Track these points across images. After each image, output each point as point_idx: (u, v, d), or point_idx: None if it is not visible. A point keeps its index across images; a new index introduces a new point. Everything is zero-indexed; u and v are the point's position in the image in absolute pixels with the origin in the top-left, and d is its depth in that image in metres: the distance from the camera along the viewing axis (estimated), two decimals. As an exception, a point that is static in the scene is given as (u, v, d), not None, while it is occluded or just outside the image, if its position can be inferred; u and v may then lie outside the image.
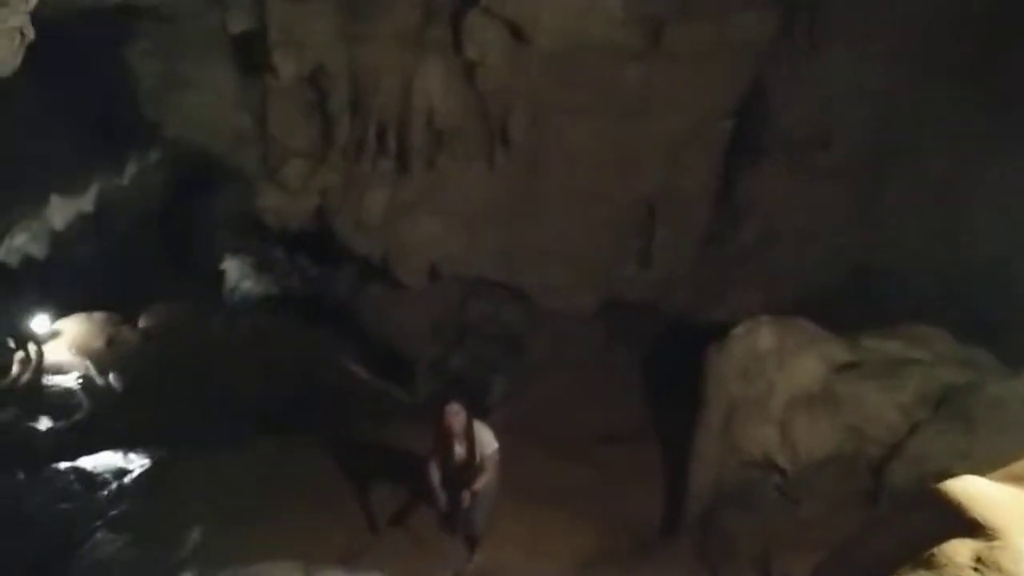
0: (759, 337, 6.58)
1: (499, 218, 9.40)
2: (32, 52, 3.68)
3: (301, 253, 12.25)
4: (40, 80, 10.17)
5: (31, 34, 3.30)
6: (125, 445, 9.27)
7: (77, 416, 11.22)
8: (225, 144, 9.30)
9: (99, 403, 11.56)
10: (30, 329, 12.54)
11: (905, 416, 6.04)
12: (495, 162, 9.00)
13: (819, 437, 6.21)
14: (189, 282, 15.41)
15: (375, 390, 11.89)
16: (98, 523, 7.63)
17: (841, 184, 9.71)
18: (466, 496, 5.63)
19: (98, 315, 13.66)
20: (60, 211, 13.56)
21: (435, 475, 5.77)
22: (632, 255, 10.00)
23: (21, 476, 9.11)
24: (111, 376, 12.27)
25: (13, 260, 13.42)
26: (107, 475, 8.65)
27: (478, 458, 5.61)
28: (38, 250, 13.75)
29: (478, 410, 6.11)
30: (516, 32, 8.25)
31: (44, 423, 10.98)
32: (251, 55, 8.65)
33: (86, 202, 13.76)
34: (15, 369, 11.95)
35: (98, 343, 13.09)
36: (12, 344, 12.22)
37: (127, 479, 8.44)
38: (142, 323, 13.72)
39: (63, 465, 8.93)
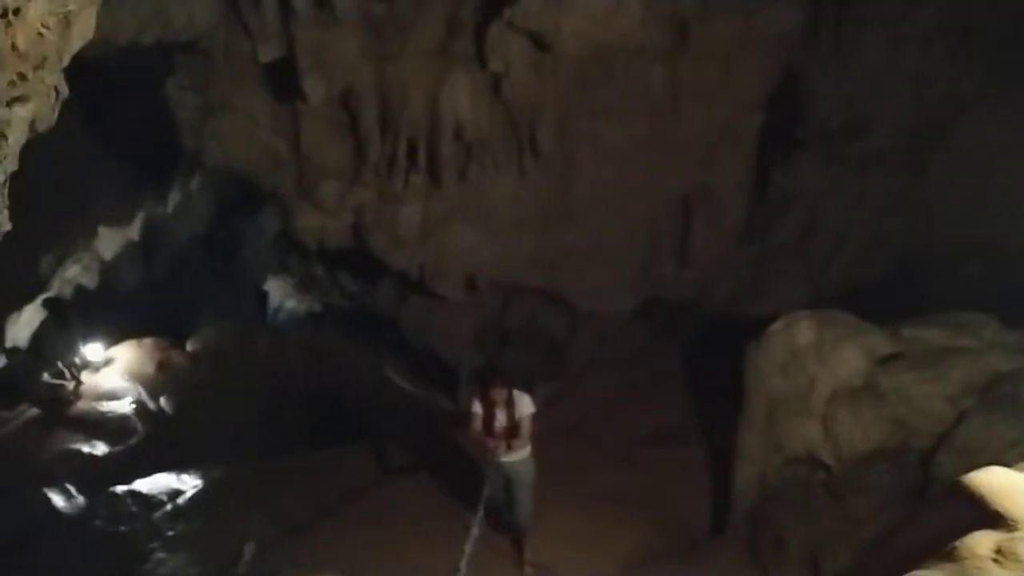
0: (798, 332, 6.50)
1: (533, 225, 9.45)
2: (75, 91, 3.82)
3: (341, 269, 12.43)
4: (83, 116, 10.54)
5: (65, 91, 3.45)
6: (179, 466, 9.51)
7: (132, 440, 11.56)
8: (262, 168, 9.50)
9: (152, 427, 11.89)
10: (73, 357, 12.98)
11: (952, 406, 5.90)
12: (526, 170, 9.05)
13: (863, 431, 6.10)
14: (234, 304, 15.75)
15: (419, 400, 12.04)
16: (155, 543, 7.86)
17: (880, 172, 9.57)
18: (502, 446, 5.96)
19: (148, 341, 14.04)
20: (108, 242, 13.93)
21: (478, 423, 6.07)
22: (669, 254, 9.96)
23: (81, 500, 9.43)
24: (163, 400, 12.60)
25: (66, 292, 13.82)
26: (162, 496, 8.90)
27: (517, 419, 5.98)
28: (89, 280, 14.13)
29: (517, 380, 6.32)
30: (539, 42, 8.31)
31: (101, 448, 11.32)
32: (282, 81, 8.84)
33: (132, 231, 14.12)
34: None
35: (149, 368, 13.45)
36: (67, 374, 12.63)
37: (181, 499, 8.67)
38: (190, 346, 14.06)
39: (120, 488, 9.20)
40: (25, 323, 12.41)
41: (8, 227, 3.47)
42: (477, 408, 6.07)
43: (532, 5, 8.08)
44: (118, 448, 11.24)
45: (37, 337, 12.79)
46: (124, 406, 12.30)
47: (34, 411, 11.84)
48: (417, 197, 9.09)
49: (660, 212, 9.82)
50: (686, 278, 10.07)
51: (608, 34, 8.38)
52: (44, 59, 3.07)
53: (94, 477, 10.02)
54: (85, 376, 12.97)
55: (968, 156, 9.12)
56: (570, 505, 7.11)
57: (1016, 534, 1.85)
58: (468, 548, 5.46)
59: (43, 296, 12.45)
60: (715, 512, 7.18)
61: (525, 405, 5.99)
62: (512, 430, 5.98)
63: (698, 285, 10.12)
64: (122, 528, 8.50)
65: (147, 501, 8.85)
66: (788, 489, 6.41)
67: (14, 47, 3.02)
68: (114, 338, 13.95)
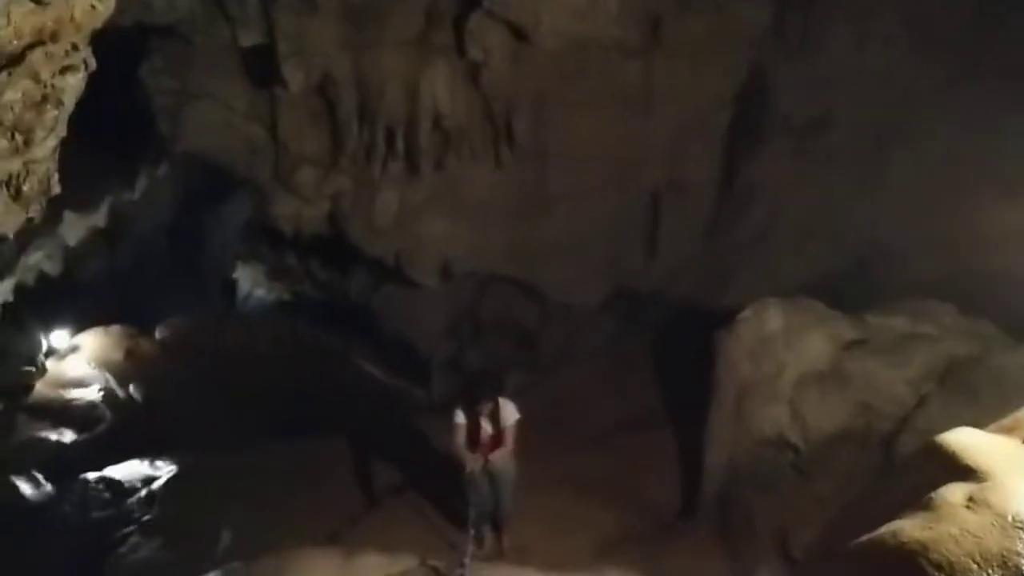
0: (767, 318, 6.73)
1: (508, 215, 9.58)
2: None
3: (313, 258, 12.43)
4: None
5: (93, 64, 3.59)
6: (150, 453, 9.50)
7: (100, 428, 11.47)
8: (238, 155, 9.49)
9: (121, 414, 11.81)
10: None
11: (913, 390, 6.19)
12: (502, 161, 9.17)
13: (829, 414, 6.36)
14: (202, 293, 15.65)
15: (392, 389, 12.11)
16: (130, 529, 7.85)
17: (843, 166, 9.83)
18: (497, 456, 5.88)
19: (115, 328, 13.92)
20: (73, 228, 13.73)
21: (461, 437, 5.94)
22: (639, 246, 10.15)
23: (49, 488, 9.36)
24: (132, 388, 12.52)
25: (28, 278, 13.61)
26: (136, 483, 8.89)
27: (503, 427, 5.90)
28: (52, 267, 13.93)
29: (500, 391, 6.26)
30: (518, 33, 8.42)
31: (68, 436, 11.22)
32: (259, 68, 8.85)
33: (98, 218, 13.94)
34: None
35: (116, 356, 13.34)
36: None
37: (155, 485, 8.66)
38: (159, 334, 13.97)
39: (91, 475, 9.16)
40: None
41: (58, 190, 3.60)
42: (461, 419, 5.88)
43: (512, -5, 8.18)
44: (86, 436, 11.17)
45: (-1, 324, 12.59)
46: (91, 394, 12.21)
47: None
48: (394, 185, 9.15)
49: (630, 204, 9.99)
50: (655, 269, 10.26)
51: (585, 28, 8.53)
52: (93, 31, 3.19)
53: (62, 464, 9.95)
54: (50, 364, 12.82)
55: (927, 151, 9.41)
56: (544, 489, 7.18)
57: (986, 484, 2.04)
58: (469, 547, 5.62)
59: (4, 282, 12.24)
60: (685, 495, 7.35)
61: (510, 413, 5.89)
62: (497, 439, 5.89)
63: (667, 276, 10.31)
64: (94, 514, 8.49)
65: (120, 487, 8.85)
66: (757, 471, 6.63)
67: (72, 18, 3.15)
68: (79, 326, 13.79)
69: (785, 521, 6.20)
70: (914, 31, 9.23)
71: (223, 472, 8.66)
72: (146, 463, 9.27)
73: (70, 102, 3.47)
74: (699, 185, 9.93)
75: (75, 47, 3.27)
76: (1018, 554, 1.83)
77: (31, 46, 3.12)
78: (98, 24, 3.40)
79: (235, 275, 15.54)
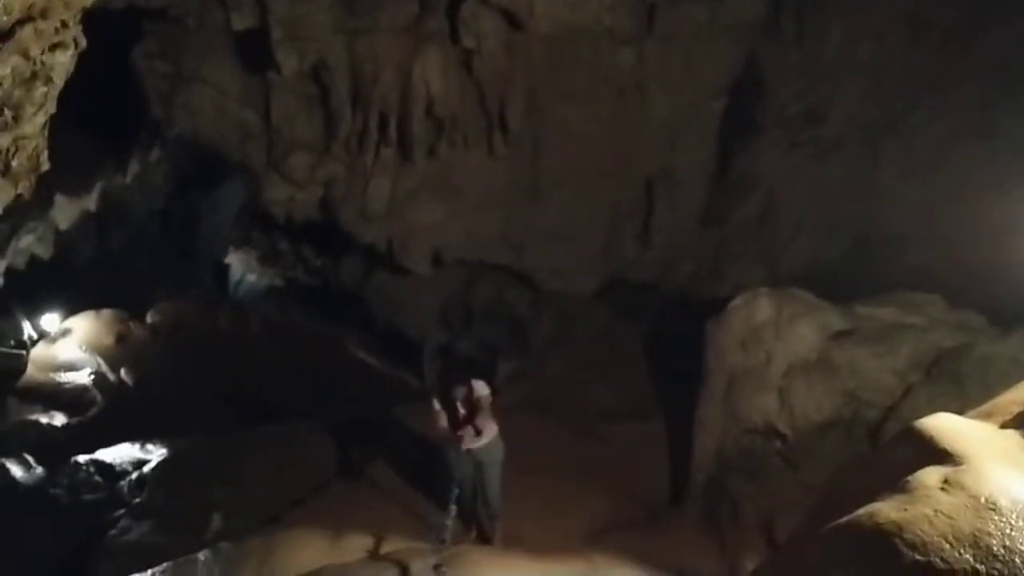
0: (757, 308, 6.76)
1: (500, 203, 9.60)
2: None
3: (306, 244, 12.43)
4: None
5: (84, 43, 3.59)
6: (141, 437, 9.46)
7: (91, 411, 11.44)
8: (231, 139, 9.49)
9: (113, 398, 11.78)
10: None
11: (899, 380, 6.24)
12: (495, 148, 9.19)
13: (817, 403, 6.41)
14: (193, 277, 15.63)
15: (383, 375, 12.12)
16: (121, 511, 7.85)
17: (836, 158, 9.87)
18: (469, 432, 5.94)
19: (106, 312, 13.86)
20: (65, 211, 13.72)
21: (442, 420, 6.06)
22: (632, 235, 10.18)
23: (40, 470, 9.35)
24: (123, 371, 12.48)
25: (20, 262, 13.58)
26: (127, 466, 8.86)
27: (475, 400, 6.01)
28: (44, 251, 13.92)
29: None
30: (512, 20, 8.43)
31: (59, 419, 11.20)
32: (253, 52, 8.82)
33: (90, 201, 13.92)
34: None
35: (108, 340, 13.29)
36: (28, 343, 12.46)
37: (146, 469, 8.63)
38: (150, 318, 13.93)
39: (82, 458, 9.13)
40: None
41: (47, 167, 3.60)
42: (438, 406, 6.06)
43: (506, -18, 8.18)
44: (77, 419, 11.13)
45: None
46: (82, 377, 12.17)
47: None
48: (387, 171, 9.17)
49: (623, 194, 10.02)
50: (648, 259, 10.30)
51: (579, 16, 8.54)
52: (81, 9, 3.18)
53: (53, 448, 9.93)
54: (41, 347, 12.80)
55: (919, 144, 9.45)
56: (534, 477, 7.22)
57: (961, 467, 2.08)
58: (448, 522, 5.67)
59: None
60: (674, 483, 7.41)
61: (480, 388, 6.05)
62: (472, 414, 6.01)
63: (659, 266, 10.35)
64: (85, 497, 8.48)
65: (111, 470, 8.82)
66: (745, 459, 6.68)
67: None
68: (70, 309, 13.75)
69: (772, 509, 6.26)
70: (908, 25, 9.25)
71: (213, 456, 8.65)
72: (137, 446, 9.24)
73: (60, 79, 3.48)
74: (692, 175, 9.97)
75: (65, 24, 3.28)
76: (989, 534, 1.86)
77: (21, 22, 3.12)
78: (87, 2, 3.39)
79: (227, 260, 15.52)
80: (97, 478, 8.75)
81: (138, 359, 12.73)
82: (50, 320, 13.35)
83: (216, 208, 15.14)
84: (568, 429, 8.53)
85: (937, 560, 1.85)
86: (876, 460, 2.56)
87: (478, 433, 5.99)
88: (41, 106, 3.41)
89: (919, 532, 1.91)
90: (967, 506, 1.94)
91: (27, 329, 12.86)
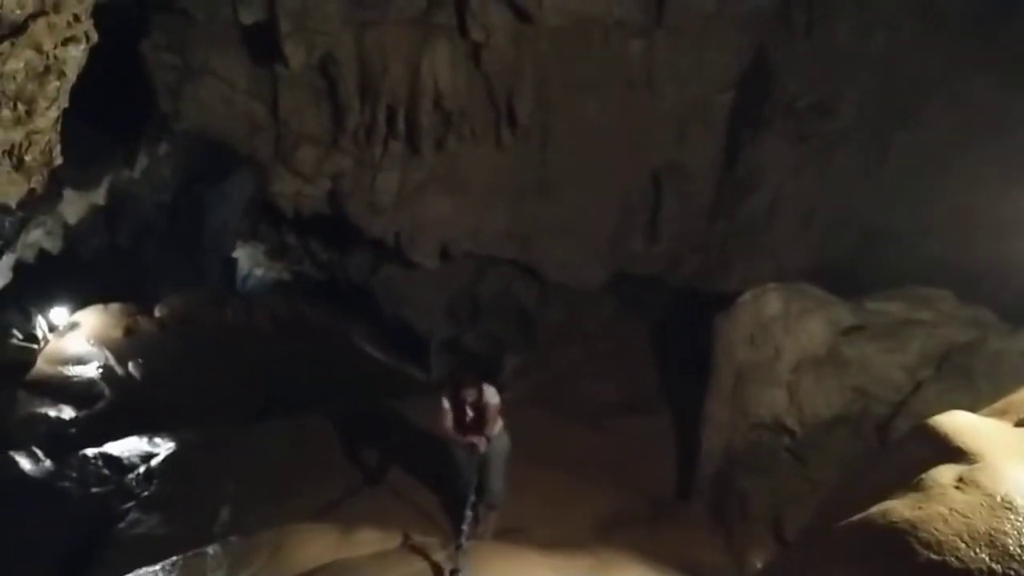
0: (766, 303, 6.73)
1: (508, 196, 9.58)
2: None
3: (313, 238, 12.44)
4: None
5: (95, 37, 3.58)
6: (149, 430, 9.51)
7: (100, 404, 11.50)
8: (239, 133, 9.48)
9: (120, 391, 11.84)
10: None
11: (909, 375, 6.20)
12: (503, 141, 9.16)
13: (826, 399, 6.37)
14: (201, 271, 15.66)
15: (390, 369, 12.14)
16: (129, 504, 7.88)
17: (845, 152, 9.82)
18: (482, 441, 5.93)
19: (115, 306, 13.94)
20: (73, 205, 13.71)
21: (448, 420, 6.04)
22: (639, 229, 10.15)
23: (49, 463, 9.39)
24: (131, 365, 12.53)
25: (29, 255, 13.60)
26: (135, 459, 8.91)
27: (484, 405, 5.99)
28: (52, 245, 13.92)
29: (488, 378, 6.34)
30: (520, 13, 8.39)
31: (68, 412, 11.25)
32: (261, 45, 8.81)
33: (98, 196, 13.92)
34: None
35: (116, 333, 13.36)
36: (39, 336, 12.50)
37: (154, 462, 8.67)
38: (158, 312, 13.98)
39: (91, 451, 9.19)
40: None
41: (60, 161, 3.61)
42: (446, 405, 6.03)
43: (515, -25, 8.15)
44: (85, 412, 11.20)
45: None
46: (91, 370, 12.24)
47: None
48: (395, 165, 9.15)
49: (632, 187, 9.99)
50: (656, 253, 10.27)
51: (587, 8, 8.50)
52: (93, 3, 3.18)
53: (62, 440, 9.99)
54: (50, 340, 12.85)
55: (930, 138, 9.39)
56: (540, 470, 7.23)
57: (976, 465, 2.06)
58: (465, 527, 5.64)
59: (4, 259, 12.24)
60: (681, 477, 7.40)
61: (491, 396, 6.03)
62: (480, 424, 6.01)
63: (667, 260, 10.32)
64: (94, 490, 8.52)
65: (119, 463, 8.87)
66: (753, 454, 6.66)
67: None
68: (79, 303, 13.81)
69: (780, 505, 6.24)
70: (918, 17, 9.18)
71: (221, 448, 8.70)
72: (145, 439, 9.28)
73: (72, 73, 3.48)
74: (701, 168, 9.93)
75: (77, 18, 3.27)
76: (1005, 534, 1.84)
77: (34, 16, 3.12)
78: (95, -3, 3.38)
79: (235, 254, 15.54)
80: (105, 471, 8.80)
81: (146, 353, 12.79)
82: (59, 314, 13.41)
83: (224, 201, 15.15)
84: (574, 422, 8.55)
85: (952, 559, 1.84)
86: (888, 457, 2.54)
87: (488, 441, 6.01)
88: (54, 100, 3.42)
89: (934, 531, 1.90)
90: (982, 505, 1.92)
91: (39, 324, 12.90)
